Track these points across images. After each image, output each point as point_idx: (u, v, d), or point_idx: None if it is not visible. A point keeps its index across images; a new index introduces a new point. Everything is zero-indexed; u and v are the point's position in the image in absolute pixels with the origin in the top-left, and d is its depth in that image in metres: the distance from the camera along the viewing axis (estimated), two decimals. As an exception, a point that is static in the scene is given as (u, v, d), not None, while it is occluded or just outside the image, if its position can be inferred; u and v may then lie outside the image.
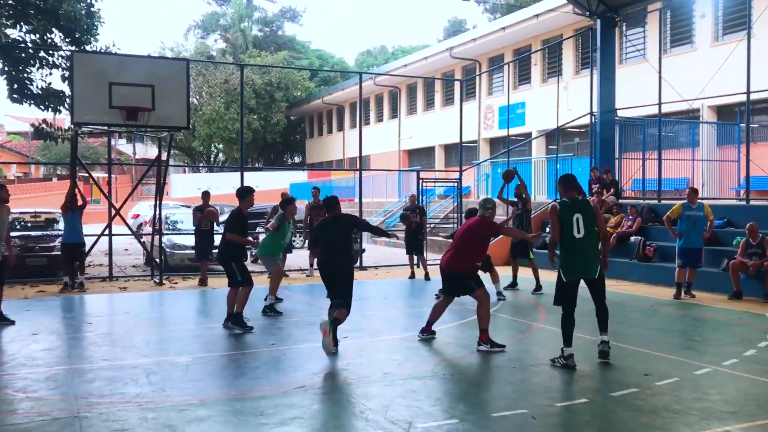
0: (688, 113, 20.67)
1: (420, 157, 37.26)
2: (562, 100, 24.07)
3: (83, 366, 6.84)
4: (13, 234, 14.36)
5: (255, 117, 44.21)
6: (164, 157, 14.40)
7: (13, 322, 9.05)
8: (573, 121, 18.87)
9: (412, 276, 14.54)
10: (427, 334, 8.07)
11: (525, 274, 12.55)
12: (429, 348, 7.71)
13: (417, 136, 36.66)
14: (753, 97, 14.47)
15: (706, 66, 18.97)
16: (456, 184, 17.13)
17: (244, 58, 48.04)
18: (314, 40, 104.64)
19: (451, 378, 6.40)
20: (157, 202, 14.14)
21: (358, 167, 17.99)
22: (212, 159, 52.12)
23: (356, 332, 8.61)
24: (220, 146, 50.29)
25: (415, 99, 37.65)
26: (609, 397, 5.71)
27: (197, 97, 47.13)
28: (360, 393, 5.85)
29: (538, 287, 12.00)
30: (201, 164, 51.99)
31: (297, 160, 55.11)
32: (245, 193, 8.91)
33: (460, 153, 18.70)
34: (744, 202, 14.59)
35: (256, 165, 50.34)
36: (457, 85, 32.08)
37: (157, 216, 14.30)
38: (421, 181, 17.03)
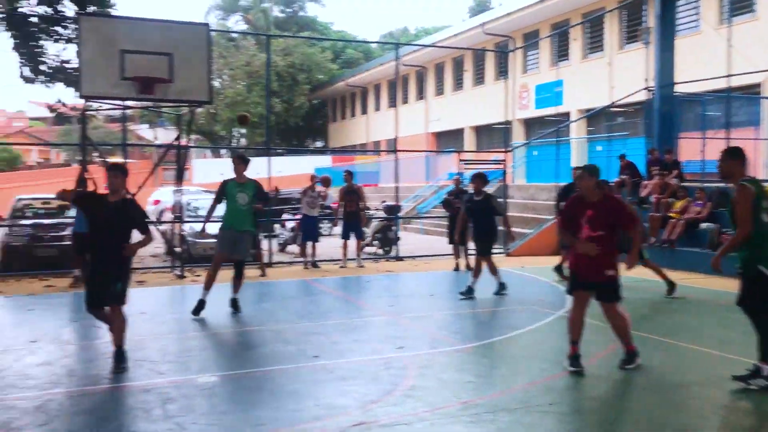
0: (746, 89, 18.99)
1: (448, 140, 35.73)
2: (605, 77, 22.47)
3: (87, 389, 5.57)
4: (22, 222, 13.31)
5: (277, 100, 42.80)
6: (184, 139, 13.16)
7: None
8: (627, 96, 17.26)
9: (457, 268, 13.03)
10: None
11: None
12: (513, 361, 6.35)
13: (445, 117, 35.13)
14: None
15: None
16: (502, 166, 15.63)
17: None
18: (336, 21, 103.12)
19: (565, 412, 4.99)
20: (178, 188, 12.98)
21: (387, 149, 16.61)
22: (235, 144, 50.88)
23: (410, 340, 7.24)
24: (243, 131, 49.04)
25: (442, 79, 36.07)
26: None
27: (219, 80, 45.84)
28: (437, 432, 4.48)
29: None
30: (223, 147, 50.70)
31: (319, 144, 53.78)
32: None
33: (504, 132, 17.22)
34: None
35: (279, 150, 49.07)
36: (491, 57, 30.50)
37: (178, 202, 13.11)
38: (462, 162, 15.59)
